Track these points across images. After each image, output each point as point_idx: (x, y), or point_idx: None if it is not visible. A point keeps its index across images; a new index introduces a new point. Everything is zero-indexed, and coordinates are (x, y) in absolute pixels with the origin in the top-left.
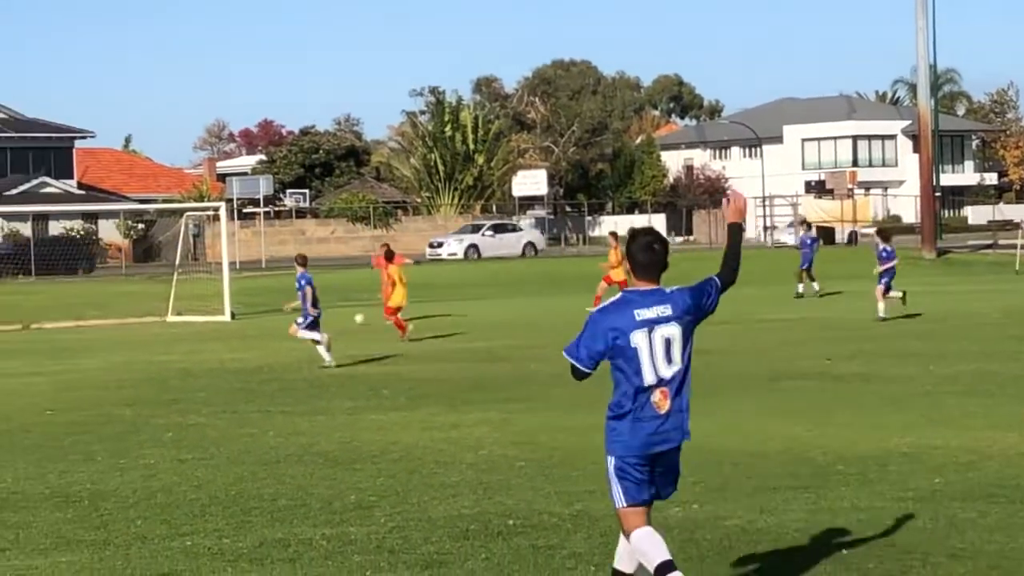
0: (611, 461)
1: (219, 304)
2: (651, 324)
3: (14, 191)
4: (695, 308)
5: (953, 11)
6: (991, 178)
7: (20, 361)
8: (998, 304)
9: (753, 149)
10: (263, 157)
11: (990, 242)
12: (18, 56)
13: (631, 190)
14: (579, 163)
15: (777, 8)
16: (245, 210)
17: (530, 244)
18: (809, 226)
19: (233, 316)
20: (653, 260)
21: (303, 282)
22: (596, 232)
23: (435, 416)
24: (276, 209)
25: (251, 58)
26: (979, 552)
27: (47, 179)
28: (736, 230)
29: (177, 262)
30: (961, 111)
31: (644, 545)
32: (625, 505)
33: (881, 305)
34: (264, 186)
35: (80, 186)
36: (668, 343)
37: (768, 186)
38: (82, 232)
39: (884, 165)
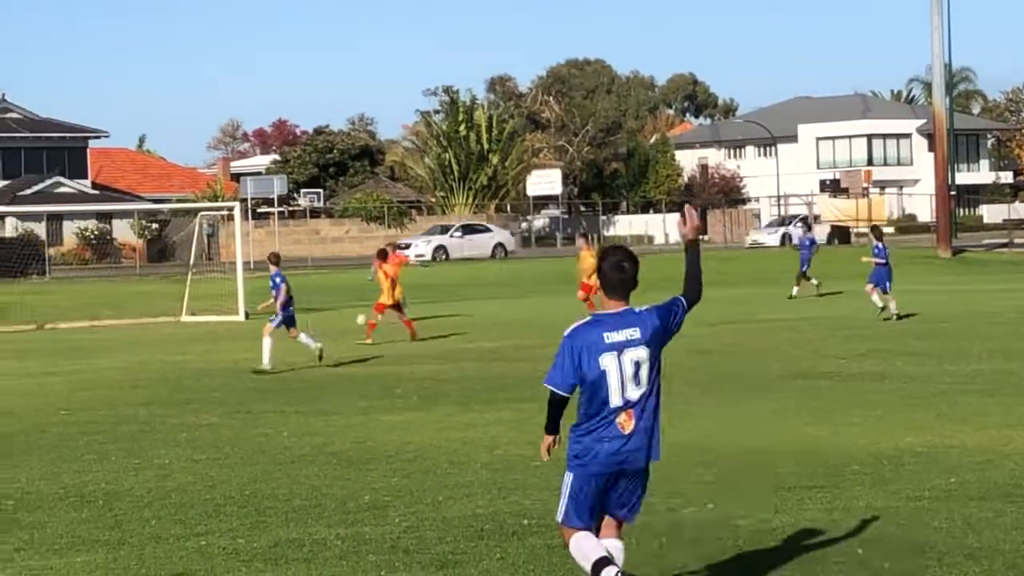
0: (568, 477)
1: (233, 304)
2: (620, 347)
3: (28, 191)
4: (663, 329)
5: (968, 10)
6: (1006, 177)
7: (35, 361)
8: (1014, 303)
9: (768, 148)
10: (277, 157)
11: (1005, 241)
12: (32, 56)
13: (645, 189)
14: (593, 162)
15: (792, 7)
16: (259, 210)
17: (500, 245)
18: (808, 227)
19: (247, 316)
20: (623, 279)
21: (277, 280)
22: (611, 232)
23: (449, 416)
24: (290, 209)
25: (265, 58)
26: (995, 552)
27: (61, 179)
28: (694, 246)
29: (191, 262)
30: (976, 110)
31: (583, 546)
32: (564, 524)
33: (875, 298)
34: (278, 186)
35: (94, 186)
36: (637, 366)
37: (783, 185)
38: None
39: (899, 164)
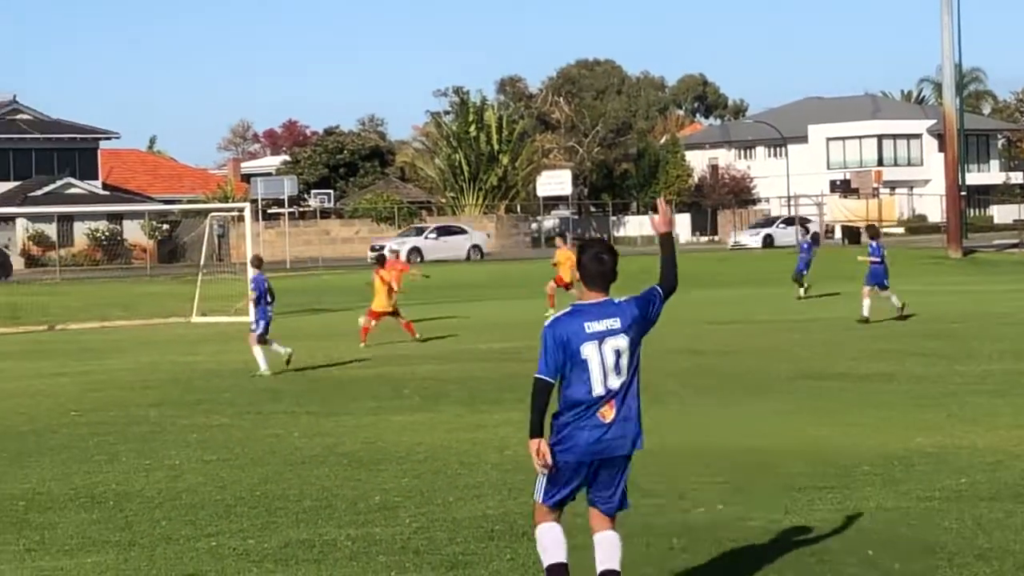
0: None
1: (244, 305)
2: (601, 336)
3: (39, 192)
4: (642, 319)
5: (978, 10)
6: (1017, 177)
7: (45, 362)
8: None
9: (778, 149)
10: (287, 157)
11: (1016, 241)
12: (43, 58)
13: (655, 190)
14: (603, 163)
15: (802, 7)
16: (270, 211)
17: (476, 247)
18: (807, 230)
19: None
20: (602, 270)
21: (259, 282)
22: (621, 232)
23: (459, 417)
24: (300, 210)
25: (275, 58)
26: (1006, 552)
27: (72, 180)
28: (668, 239)
29: (202, 263)
30: (987, 110)
31: (545, 541)
32: (540, 502)
33: (866, 303)
34: (288, 186)
35: (105, 187)
36: (618, 355)
37: (793, 186)
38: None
39: (909, 164)
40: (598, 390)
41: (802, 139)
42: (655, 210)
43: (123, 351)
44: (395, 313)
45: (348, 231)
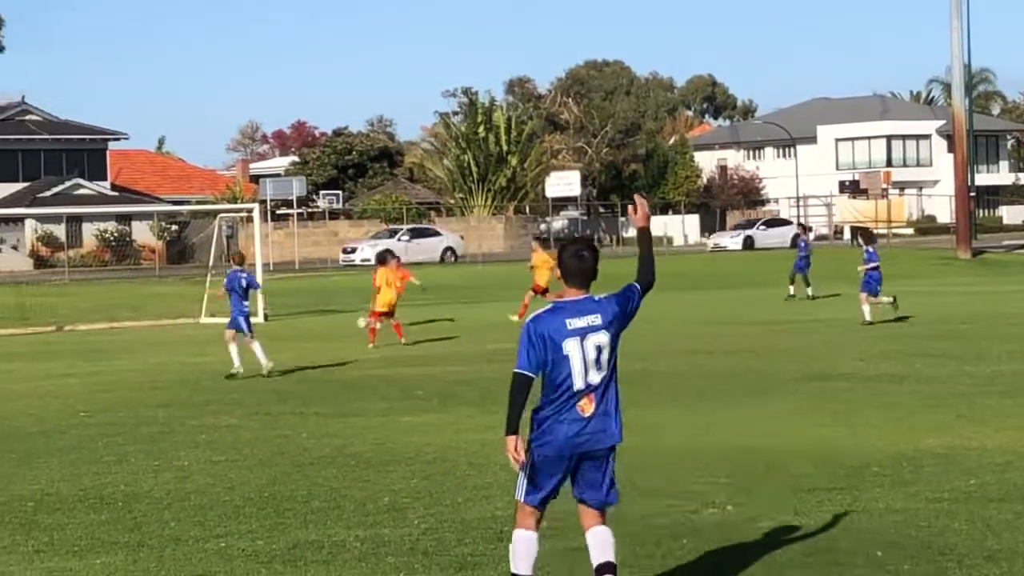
0: (528, 456)
1: (253, 306)
2: (583, 333)
3: (48, 193)
4: (622, 315)
5: (988, 10)
6: None
7: (54, 363)
8: None
9: (787, 149)
10: (296, 158)
11: None
12: (51, 58)
13: (664, 191)
14: (612, 164)
15: (811, 8)
16: (278, 211)
17: (449, 250)
18: (805, 229)
19: (266, 318)
20: (582, 268)
21: (231, 278)
22: (630, 233)
23: (468, 418)
24: (309, 210)
25: (284, 59)
26: (1015, 554)
27: (81, 181)
28: (645, 234)
29: (211, 263)
30: (996, 111)
31: (518, 547)
32: (522, 501)
33: (866, 308)
34: (297, 187)
35: (114, 187)
36: (599, 350)
37: (802, 186)
38: (116, 233)
39: (918, 165)
40: (579, 384)
41: (811, 140)
42: (634, 204)
43: (132, 352)
44: (390, 314)
45: (357, 232)
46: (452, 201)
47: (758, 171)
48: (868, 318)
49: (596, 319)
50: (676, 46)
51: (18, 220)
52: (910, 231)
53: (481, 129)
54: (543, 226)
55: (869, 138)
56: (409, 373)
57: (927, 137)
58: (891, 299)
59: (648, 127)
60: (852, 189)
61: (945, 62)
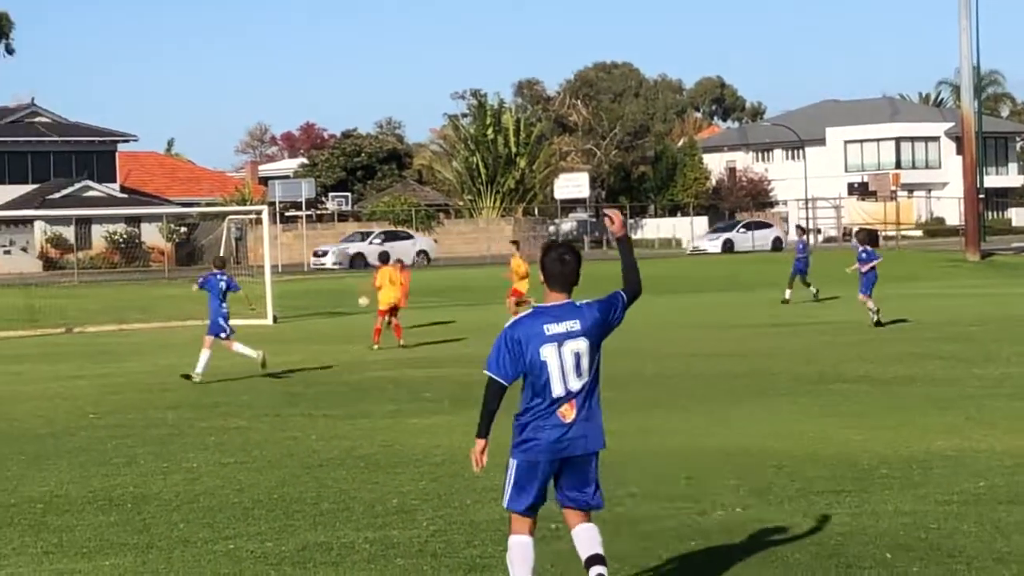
0: (512, 463)
1: (261, 307)
2: (561, 339)
3: (57, 195)
4: (603, 322)
5: (997, 12)
6: None
7: (63, 364)
8: None
9: (795, 151)
10: (305, 160)
11: None
12: (60, 60)
13: (673, 193)
14: (621, 166)
15: (819, 10)
16: (287, 213)
17: (423, 252)
18: (803, 230)
19: (275, 319)
20: (563, 272)
21: (206, 282)
22: (639, 235)
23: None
24: (318, 212)
25: (293, 61)
26: None
27: (90, 183)
28: (625, 243)
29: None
30: (1005, 113)
31: (514, 554)
32: (508, 509)
33: (870, 304)
34: (306, 189)
35: (123, 189)
36: (578, 357)
37: (811, 188)
38: (125, 235)
39: (927, 167)
40: (558, 390)
41: (820, 142)
42: (608, 216)
43: (141, 353)
44: (394, 311)
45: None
46: (461, 203)
47: (767, 173)
48: (876, 318)
49: (575, 325)
50: (685, 48)
51: (27, 222)
52: (919, 233)
53: (490, 131)
54: (551, 228)
55: (878, 140)
56: (417, 375)
57: (936, 139)
58: (876, 308)
59: (657, 129)
60: (861, 191)
61: (954, 64)
